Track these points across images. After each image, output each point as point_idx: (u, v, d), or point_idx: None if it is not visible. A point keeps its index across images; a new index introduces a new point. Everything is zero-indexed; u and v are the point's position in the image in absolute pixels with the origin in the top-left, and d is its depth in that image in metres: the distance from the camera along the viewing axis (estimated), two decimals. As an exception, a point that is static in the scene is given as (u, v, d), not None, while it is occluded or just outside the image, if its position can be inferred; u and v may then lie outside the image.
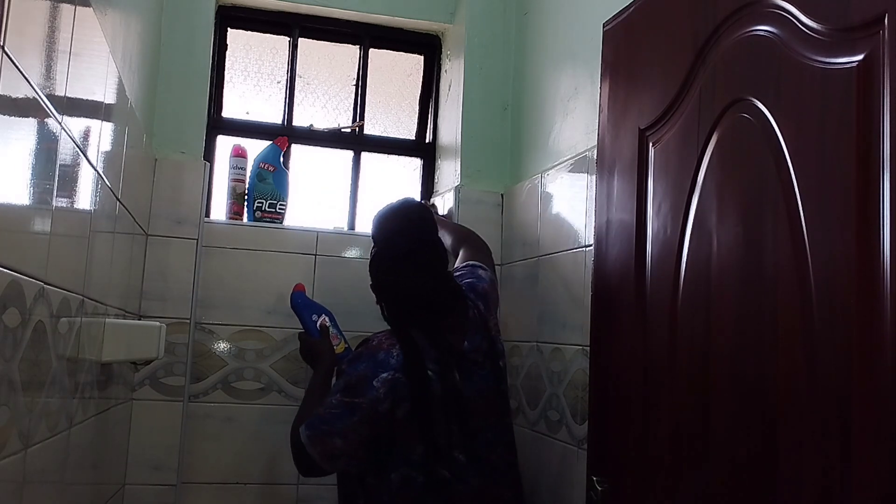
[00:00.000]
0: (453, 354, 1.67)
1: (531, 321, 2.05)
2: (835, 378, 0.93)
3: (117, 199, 1.57)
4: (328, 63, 2.58)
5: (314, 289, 2.26)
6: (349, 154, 2.56)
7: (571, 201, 1.89)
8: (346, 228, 2.48)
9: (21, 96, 0.89)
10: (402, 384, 1.59)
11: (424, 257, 1.73)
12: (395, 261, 1.72)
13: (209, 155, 2.36)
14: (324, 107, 2.56)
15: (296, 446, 1.64)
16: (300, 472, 1.71)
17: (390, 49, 2.61)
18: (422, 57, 2.63)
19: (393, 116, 2.62)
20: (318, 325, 2.01)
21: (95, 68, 1.30)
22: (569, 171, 1.92)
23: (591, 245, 1.65)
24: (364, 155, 2.57)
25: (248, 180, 2.33)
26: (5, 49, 0.81)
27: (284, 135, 2.46)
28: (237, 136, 2.44)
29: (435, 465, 1.59)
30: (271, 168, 2.32)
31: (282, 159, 2.36)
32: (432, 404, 1.60)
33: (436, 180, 2.58)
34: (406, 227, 1.76)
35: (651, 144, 1.38)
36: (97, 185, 1.35)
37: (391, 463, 1.60)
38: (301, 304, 2.06)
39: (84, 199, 1.27)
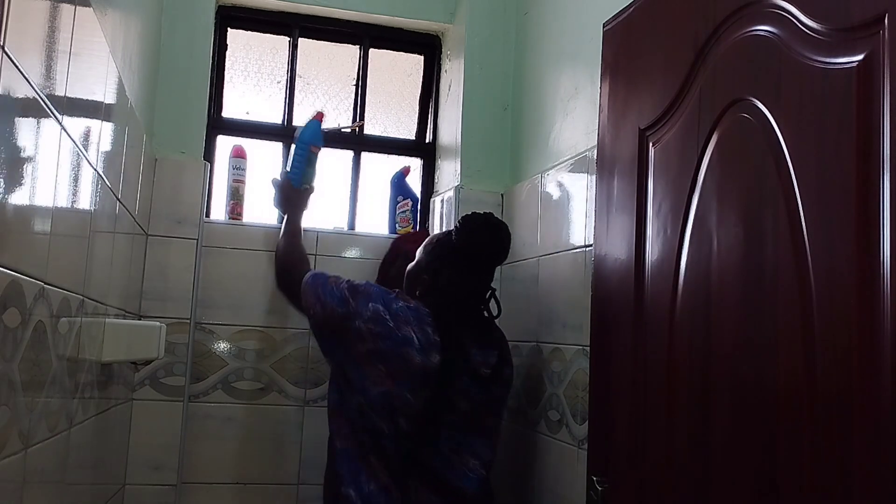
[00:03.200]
0: (462, 358, 1.77)
1: (531, 321, 2.05)
2: (835, 378, 0.93)
3: (117, 199, 1.57)
4: (328, 63, 2.58)
5: (314, 289, 2.26)
6: (349, 154, 2.56)
7: (571, 201, 1.89)
8: (346, 228, 2.48)
9: (21, 96, 0.89)
10: (388, 329, 1.71)
11: (492, 275, 1.89)
12: (473, 267, 1.84)
13: (209, 155, 2.36)
14: (324, 107, 2.56)
15: (293, 278, 1.91)
16: (279, 286, 2.02)
17: (390, 49, 2.61)
18: (422, 57, 2.63)
19: (393, 116, 2.62)
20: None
21: (95, 68, 1.30)
22: (569, 171, 1.92)
23: (591, 245, 1.65)
24: (364, 155, 2.57)
25: (289, 166, 2.16)
26: (5, 49, 0.81)
27: (284, 135, 2.46)
28: (237, 136, 2.44)
29: (388, 419, 1.71)
30: (316, 149, 2.19)
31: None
32: (424, 378, 1.72)
33: (436, 180, 2.58)
34: (500, 244, 1.86)
35: (651, 144, 1.38)
36: (97, 185, 1.35)
37: (352, 388, 1.75)
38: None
39: (84, 199, 1.27)
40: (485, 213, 1.90)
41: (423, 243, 1.93)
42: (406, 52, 2.63)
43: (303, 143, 2.16)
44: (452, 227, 1.88)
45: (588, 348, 1.59)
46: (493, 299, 1.90)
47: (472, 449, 1.78)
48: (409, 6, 2.51)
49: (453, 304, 1.81)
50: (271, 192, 2.17)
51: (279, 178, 2.16)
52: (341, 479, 1.73)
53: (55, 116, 1.04)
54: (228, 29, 2.46)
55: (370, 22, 2.53)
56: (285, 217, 2.12)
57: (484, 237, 1.83)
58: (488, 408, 1.82)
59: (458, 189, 2.33)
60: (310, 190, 2.17)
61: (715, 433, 1.14)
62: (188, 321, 2.12)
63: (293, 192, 2.13)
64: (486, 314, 1.89)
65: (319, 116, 2.23)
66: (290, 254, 2.02)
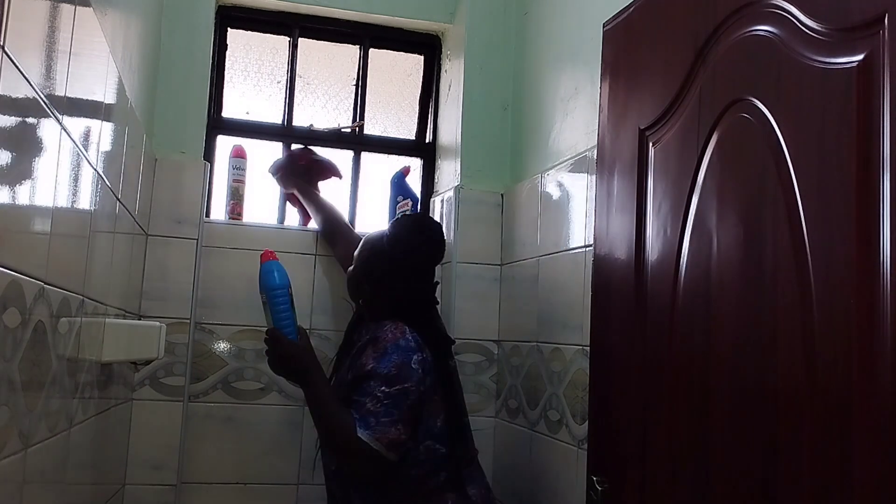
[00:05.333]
0: (448, 342, 1.86)
1: (531, 321, 2.05)
2: (835, 378, 0.93)
3: (117, 199, 1.57)
4: (328, 63, 2.58)
5: (314, 288, 2.26)
6: (349, 154, 2.56)
7: (571, 201, 1.89)
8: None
9: (21, 96, 0.89)
10: (429, 362, 1.73)
11: (433, 269, 1.88)
12: (415, 272, 1.82)
13: (209, 155, 2.36)
14: (324, 107, 2.56)
15: (356, 453, 1.61)
16: (367, 478, 1.69)
17: (390, 49, 2.61)
18: (422, 57, 2.63)
19: (393, 116, 2.62)
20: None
21: (95, 68, 1.30)
22: (569, 171, 1.92)
23: (591, 245, 1.65)
24: (364, 155, 2.57)
25: (274, 321, 1.78)
26: (5, 49, 0.81)
27: (284, 135, 2.46)
28: (237, 136, 2.44)
29: (456, 437, 1.75)
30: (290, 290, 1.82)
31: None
32: (454, 383, 1.80)
33: (436, 180, 2.58)
34: (433, 243, 1.85)
35: (651, 144, 1.38)
36: (97, 185, 1.35)
37: (417, 439, 1.69)
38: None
39: (84, 199, 1.27)
40: (416, 214, 1.91)
41: (359, 246, 1.89)
42: (406, 52, 2.63)
43: (280, 288, 1.78)
44: (385, 231, 1.85)
45: (588, 348, 1.59)
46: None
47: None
48: (409, 6, 2.51)
49: (411, 310, 1.79)
50: (272, 353, 1.78)
51: (268, 338, 1.77)
52: None
53: (55, 116, 1.04)
54: (228, 29, 2.46)
55: (370, 22, 2.53)
56: (305, 384, 1.74)
57: (415, 243, 1.81)
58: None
59: (457, 189, 2.33)
60: (304, 334, 1.80)
61: (715, 433, 1.14)
62: (188, 321, 2.12)
63: (295, 347, 1.75)
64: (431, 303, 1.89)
65: (272, 255, 1.83)
66: (326, 434, 1.70)
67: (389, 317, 1.77)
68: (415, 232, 1.82)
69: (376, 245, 1.84)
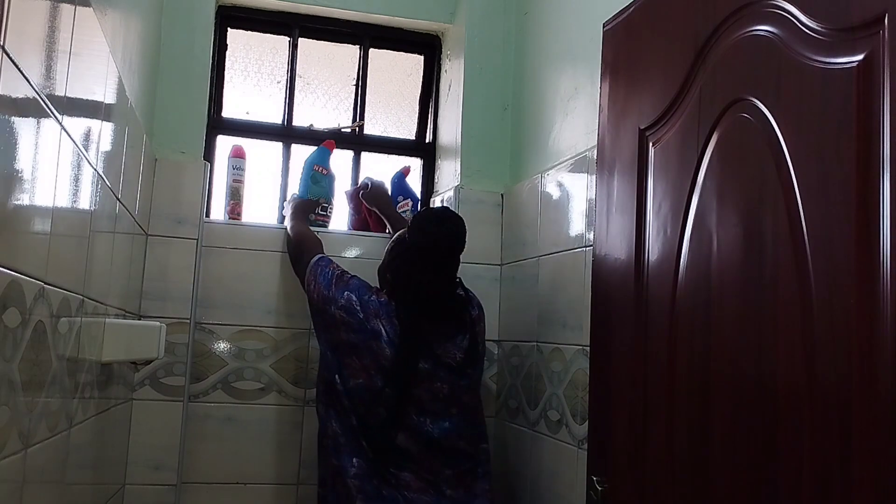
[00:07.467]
0: (430, 350, 1.82)
1: (531, 321, 2.05)
2: (835, 378, 0.93)
3: (117, 199, 1.57)
4: (328, 63, 2.58)
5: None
6: (349, 154, 2.56)
7: (571, 201, 1.89)
8: (346, 228, 2.48)
9: (21, 96, 0.89)
10: (358, 320, 1.82)
11: (451, 268, 1.88)
12: (426, 262, 1.84)
13: (209, 155, 2.36)
14: (324, 107, 2.56)
15: (303, 259, 2.02)
16: (293, 266, 2.12)
17: (390, 49, 2.61)
18: (422, 57, 2.63)
19: (393, 116, 2.62)
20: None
21: (95, 68, 1.30)
22: (569, 171, 1.92)
23: (591, 245, 1.65)
24: (364, 155, 2.57)
25: (299, 184, 2.38)
26: (5, 49, 0.81)
27: (284, 135, 2.46)
28: (237, 136, 2.44)
29: (368, 409, 1.80)
30: (324, 171, 2.37)
31: (330, 162, 2.41)
32: (395, 375, 1.79)
33: (436, 180, 2.58)
34: (449, 237, 1.86)
35: (651, 144, 1.38)
36: (97, 185, 1.35)
37: (328, 368, 1.86)
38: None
39: (84, 199, 1.27)
40: (440, 207, 1.94)
41: (391, 239, 1.98)
42: (406, 52, 2.63)
43: (306, 163, 2.36)
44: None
45: (588, 348, 1.59)
46: (461, 288, 1.93)
47: (462, 425, 1.84)
48: (409, 6, 2.51)
49: (414, 300, 1.83)
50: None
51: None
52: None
53: (55, 116, 1.04)
54: (228, 29, 2.46)
55: (370, 22, 2.53)
56: (293, 217, 2.23)
57: (433, 233, 1.83)
58: (468, 388, 1.87)
59: (458, 189, 2.33)
60: (316, 202, 2.32)
61: (715, 433, 1.14)
62: (188, 321, 2.12)
63: (298, 200, 2.29)
64: (454, 301, 1.90)
65: (329, 145, 2.39)
66: (304, 237, 2.11)
67: (398, 303, 1.84)
68: (433, 222, 1.86)
69: (401, 235, 1.92)
